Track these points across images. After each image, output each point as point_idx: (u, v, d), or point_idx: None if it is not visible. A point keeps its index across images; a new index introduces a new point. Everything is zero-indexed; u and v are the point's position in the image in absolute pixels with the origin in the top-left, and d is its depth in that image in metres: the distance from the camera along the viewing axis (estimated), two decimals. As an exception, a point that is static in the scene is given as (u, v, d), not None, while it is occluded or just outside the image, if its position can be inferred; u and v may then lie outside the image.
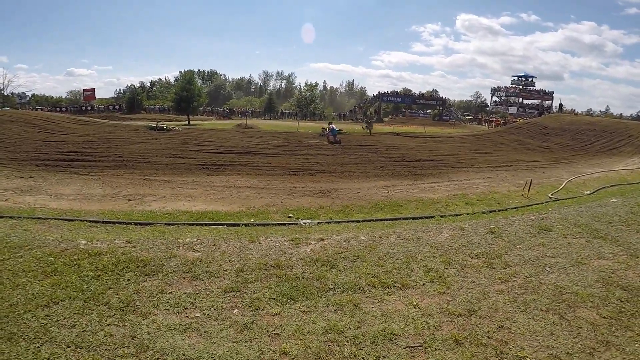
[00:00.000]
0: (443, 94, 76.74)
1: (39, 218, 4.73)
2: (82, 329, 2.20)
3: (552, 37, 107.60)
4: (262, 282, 2.84)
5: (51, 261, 3.07)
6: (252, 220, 5.58)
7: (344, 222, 5.35)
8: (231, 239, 3.92)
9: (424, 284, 2.95)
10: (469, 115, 54.24)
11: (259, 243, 3.73)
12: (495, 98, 54.85)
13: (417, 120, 42.87)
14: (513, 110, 49.05)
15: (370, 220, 5.45)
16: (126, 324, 2.28)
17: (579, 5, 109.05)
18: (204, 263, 3.18)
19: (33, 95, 48.33)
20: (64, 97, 56.41)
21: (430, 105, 51.67)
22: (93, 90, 48.59)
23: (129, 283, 2.79)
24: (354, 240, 3.83)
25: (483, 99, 70.71)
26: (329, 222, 5.29)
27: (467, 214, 5.62)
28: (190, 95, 29.61)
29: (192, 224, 5.06)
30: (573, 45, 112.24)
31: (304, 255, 3.38)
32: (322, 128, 20.79)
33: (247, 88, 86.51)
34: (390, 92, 51.38)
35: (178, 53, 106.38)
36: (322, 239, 3.84)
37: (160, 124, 19.21)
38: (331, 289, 2.78)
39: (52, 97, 52.47)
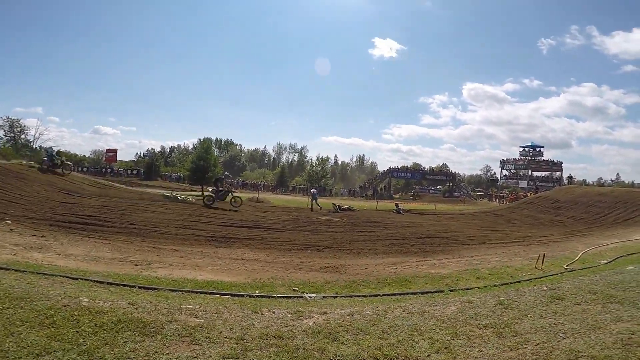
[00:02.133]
0: (453, 167, 77.14)
1: (44, 274, 4.80)
2: None
3: (556, 102, 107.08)
4: (262, 350, 2.75)
5: (50, 314, 3.08)
6: (257, 292, 5.48)
7: (350, 296, 5.22)
8: (234, 308, 3.88)
9: (428, 355, 2.81)
10: (479, 191, 54.30)
11: (262, 314, 3.70)
12: (504, 171, 55.20)
13: (427, 197, 43.16)
14: (523, 183, 49.05)
15: (377, 295, 5.31)
16: (118, 382, 2.19)
17: (578, 67, 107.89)
18: (204, 329, 3.12)
19: (59, 151, 50.88)
20: (87, 155, 59.31)
21: (440, 181, 52.28)
22: (115, 151, 50.78)
23: (126, 341, 2.74)
24: (358, 315, 3.74)
25: (493, 173, 71.56)
26: (334, 297, 5.17)
27: (478, 288, 5.45)
28: (207, 165, 30.41)
29: (197, 292, 5.02)
30: (577, 109, 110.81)
31: (306, 327, 3.30)
32: (333, 204, 21.17)
33: (261, 160, 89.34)
34: (401, 167, 52.79)
35: (198, 119, 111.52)
36: (325, 313, 3.78)
37: (174, 194, 19.91)
38: (331, 360, 2.66)
39: (77, 154, 54.37)
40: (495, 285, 5.72)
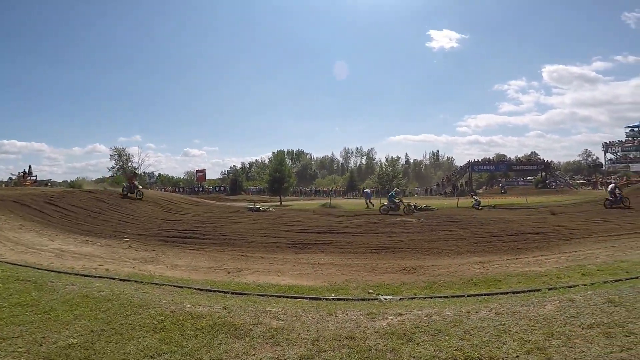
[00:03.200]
0: (544, 155, 68.30)
1: (156, 284, 5.67)
2: None
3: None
4: (335, 351, 2.85)
5: (161, 319, 3.64)
6: (333, 295, 5.63)
7: (430, 297, 5.00)
8: (311, 311, 4.08)
9: (517, 356, 2.56)
10: (579, 178, 46.75)
11: (336, 316, 3.81)
12: (609, 155, 46.74)
13: (517, 190, 38.64)
14: (637, 167, 40.64)
15: (460, 296, 4.98)
16: (213, 378, 2.51)
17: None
18: (285, 331, 3.36)
19: (159, 174, 58.93)
20: (182, 177, 67.86)
21: (530, 171, 46.44)
22: (204, 171, 58.17)
23: (220, 343, 3.10)
24: (436, 315, 3.58)
25: (595, 158, 61.16)
26: (412, 298, 5.02)
27: (584, 285, 4.73)
28: (282, 176, 32.21)
29: (279, 296, 5.38)
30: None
31: (379, 328, 3.30)
32: (408, 204, 20.49)
33: (330, 166, 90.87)
34: (482, 160, 48.26)
35: (271, 134, 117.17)
36: (400, 314, 3.71)
37: (257, 206, 21.53)
38: (406, 361, 2.61)
39: (173, 177, 63.08)
40: (605, 282, 4.89)
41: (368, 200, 24.54)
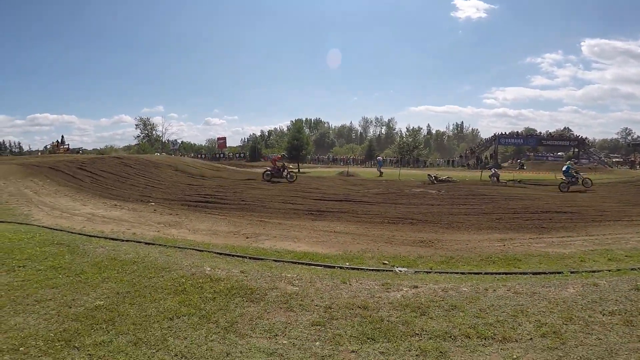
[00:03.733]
0: (578, 132, 64.89)
1: (179, 247, 5.89)
2: (191, 342, 2.62)
3: None
4: (347, 319, 2.89)
5: (182, 282, 3.80)
6: (348, 263, 5.67)
7: (446, 272, 4.94)
8: (325, 278, 4.14)
9: (531, 339, 2.51)
10: (616, 157, 44.06)
11: (350, 284, 3.84)
12: None
13: (545, 165, 36.98)
14: None
15: (477, 273, 4.89)
16: (226, 341, 2.62)
17: None
18: (299, 297, 3.44)
19: (182, 142, 60.89)
20: (203, 144, 69.69)
21: (562, 147, 44.10)
22: (224, 139, 59.30)
23: (236, 306, 3.21)
24: (453, 291, 3.54)
25: (635, 136, 57.21)
26: (428, 272, 4.98)
27: (609, 271, 4.51)
28: (300, 143, 32.38)
29: (295, 263, 5.48)
30: None
31: (392, 299, 3.30)
32: (428, 175, 20.10)
33: (349, 135, 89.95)
34: (509, 133, 46.02)
35: (289, 103, 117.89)
36: (415, 287, 3.69)
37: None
38: (417, 334, 2.62)
39: (195, 144, 65.15)
40: (633, 269, 4.64)
41: (379, 168, 26.33)
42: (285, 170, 17.77)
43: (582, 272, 4.60)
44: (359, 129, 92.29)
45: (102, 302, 3.31)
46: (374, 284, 3.83)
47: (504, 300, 3.22)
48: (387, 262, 5.87)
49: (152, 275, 4.01)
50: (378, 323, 2.81)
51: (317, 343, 2.59)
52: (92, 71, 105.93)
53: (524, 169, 34.77)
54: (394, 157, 47.18)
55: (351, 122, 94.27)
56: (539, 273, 4.76)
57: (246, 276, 4.07)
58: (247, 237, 7.67)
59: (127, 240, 6.34)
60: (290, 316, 3.01)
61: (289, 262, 5.48)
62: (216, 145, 60.04)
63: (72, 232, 6.90)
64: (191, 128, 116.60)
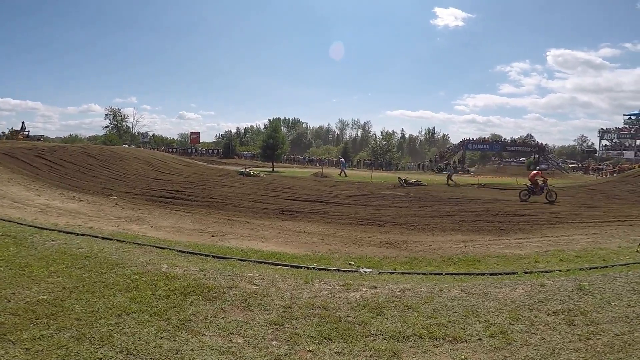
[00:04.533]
0: (540, 139, 69.58)
1: (138, 244, 5.63)
2: (139, 338, 2.50)
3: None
4: (306, 319, 2.87)
5: (135, 279, 3.63)
6: (315, 264, 5.67)
7: (409, 273, 5.07)
8: (288, 278, 4.10)
9: (480, 339, 2.61)
10: (572, 163, 47.44)
11: (312, 284, 3.83)
12: (605, 141, 47.37)
13: (509, 170, 39.04)
14: (629, 154, 41.35)
15: (438, 274, 5.05)
16: (176, 339, 2.52)
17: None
18: (258, 296, 3.38)
19: (153, 135, 58.82)
20: (175, 138, 67.65)
21: (524, 153, 46.82)
22: (198, 134, 58.31)
23: (191, 305, 3.10)
24: (410, 291, 3.62)
25: (590, 144, 61.91)
26: (391, 273, 5.08)
27: (559, 271, 4.81)
28: (276, 143, 32.16)
29: (260, 262, 5.37)
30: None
31: (352, 300, 3.33)
32: (399, 178, 20.58)
33: (326, 136, 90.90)
34: (477, 139, 48.30)
35: (268, 101, 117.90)
36: (375, 287, 3.75)
37: (248, 170, 21.46)
38: (372, 334, 2.65)
39: (167, 137, 63.04)
40: (581, 269, 4.98)
41: (343, 170, 27.68)
42: (546, 187, 14.05)
43: (536, 272, 4.87)
44: (336, 130, 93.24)
45: (45, 297, 3.11)
46: (336, 284, 3.84)
47: (457, 300, 3.33)
48: (353, 262, 5.93)
49: (104, 271, 3.81)
50: (336, 323, 2.82)
51: (274, 342, 2.55)
52: (62, 55, 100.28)
53: (469, 173, 36.91)
54: (368, 159, 47.89)
55: (329, 124, 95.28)
56: (496, 274, 4.97)
57: (205, 274, 3.95)
58: (213, 236, 7.48)
59: (82, 235, 5.99)
60: (248, 315, 2.95)
61: (254, 261, 5.36)
62: (189, 140, 58.41)
63: (21, 224, 6.42)
64: (164, 121, 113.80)
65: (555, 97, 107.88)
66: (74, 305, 2.96)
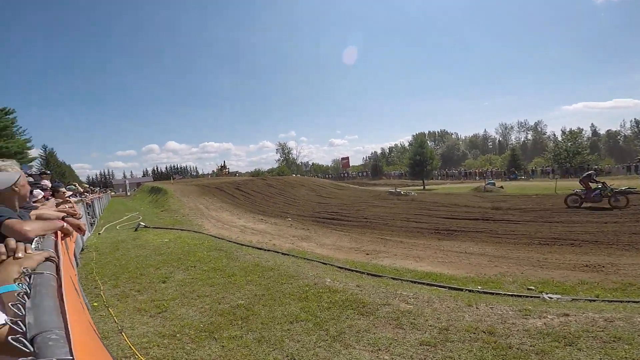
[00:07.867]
0: None
1: (307, 259, 6.44)
2: (302, 345, 2.79)
3: None
4: (464, 343, 2.54)
5: (305, 290, 4.13)
6: (479, 287, 5.00)
7: (619, 301, 3.79)
8: (447, 299, 3.78)
9: None
10: None
11: (476, 307, 3.39)
12: None
13: None
14: None
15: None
16: (331, 349, 2.69)
17: None
18: (412, 315, 3.26)
19: (312, 164, 67.20)
20: (329, 165, 74.88)
21: None
22: (347, 158, 62.32)
23: (347, 318, 3.28)
24: (621, 321, 2.69)
25: None
26: (592, 300, 3.93)
27: None
28: (423, 159, 30.58)
29: (414, 282, 5.20)
30: None
31: (530, 327, 2.75)
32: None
33: (484, 145, 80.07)
34: None
35: (409, 116, 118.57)
36: (566, 315, 2.97)
37: (397, 190, 21.28)
38: (555, 369, 2.08)
39: (322, 165, 70.92)
40: None
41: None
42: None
43: None
44: (497, 136, 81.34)
45: (242, 302, 3.88)
46: (509, 309, 3.27)
47: None
48: (533, 287, 4.92)
49: (284, 282, 4.50)
50: (503, 350, 2.38)
51: (424, 363, 2.38)
52: (243, 103, 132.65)
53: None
54: (548, 166, 39.35)
55: (485, 130, 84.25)
56: None
57: (361, 290, 4.11)
58: (367, 254, 7.72)
59: (268, 250, 7.34)
60: (399, 333, 2.87)
61: (407, 280, 5.23)
62: (340, 165, 63.43)
63: (229, 241, 8.45)
64: (319, 150, 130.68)
65: None
66: (260, 311, 3.58)
